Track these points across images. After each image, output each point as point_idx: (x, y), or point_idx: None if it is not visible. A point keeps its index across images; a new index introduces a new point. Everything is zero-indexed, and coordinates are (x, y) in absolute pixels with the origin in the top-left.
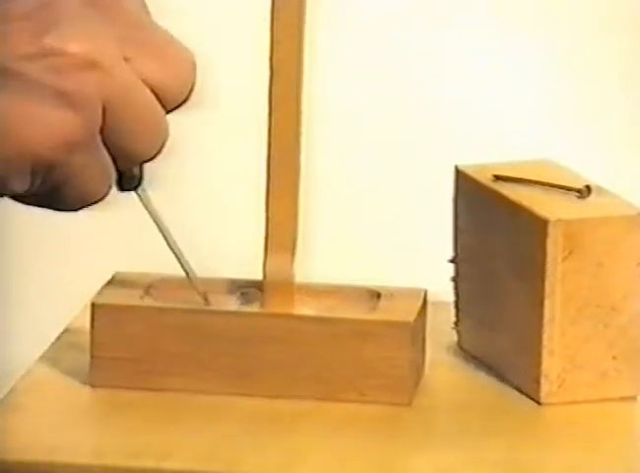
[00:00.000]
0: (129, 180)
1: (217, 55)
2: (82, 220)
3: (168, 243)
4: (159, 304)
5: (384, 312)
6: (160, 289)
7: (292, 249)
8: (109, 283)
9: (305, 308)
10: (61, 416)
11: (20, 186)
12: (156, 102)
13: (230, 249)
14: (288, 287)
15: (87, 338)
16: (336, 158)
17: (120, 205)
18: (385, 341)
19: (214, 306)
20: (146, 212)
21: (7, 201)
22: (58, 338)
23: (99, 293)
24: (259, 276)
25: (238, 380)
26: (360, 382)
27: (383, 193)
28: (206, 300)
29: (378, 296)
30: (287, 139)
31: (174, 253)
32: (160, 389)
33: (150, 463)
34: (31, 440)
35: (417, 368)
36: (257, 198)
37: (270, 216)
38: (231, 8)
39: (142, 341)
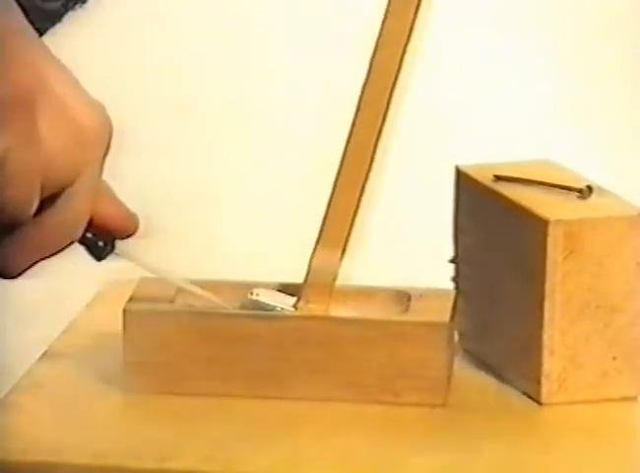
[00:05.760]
0: (98, 249)
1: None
2: None
3: (176, 284)
4: (190, 308)
5: (418, 313)
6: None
7: (343, 247)
8: (137, 289)
9: (339, 310)
10: (61, 416)
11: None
12: None
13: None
14: (327, 285)
15: (87, 339)
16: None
17: None
18: (421, 342)
19: (247, 310)
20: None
21: None
22: (58, 338)
23: (130, 299)
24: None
25: (272, 383)
26: (395, 384)
27: (383, 193)
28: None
29: (407, 297)
30: (366, 140)
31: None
32: (191, 394)
33: (150, 464)
34: (31, 440)
35: (450, 368)
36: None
37: (330, 210)
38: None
39: (173, 345)
